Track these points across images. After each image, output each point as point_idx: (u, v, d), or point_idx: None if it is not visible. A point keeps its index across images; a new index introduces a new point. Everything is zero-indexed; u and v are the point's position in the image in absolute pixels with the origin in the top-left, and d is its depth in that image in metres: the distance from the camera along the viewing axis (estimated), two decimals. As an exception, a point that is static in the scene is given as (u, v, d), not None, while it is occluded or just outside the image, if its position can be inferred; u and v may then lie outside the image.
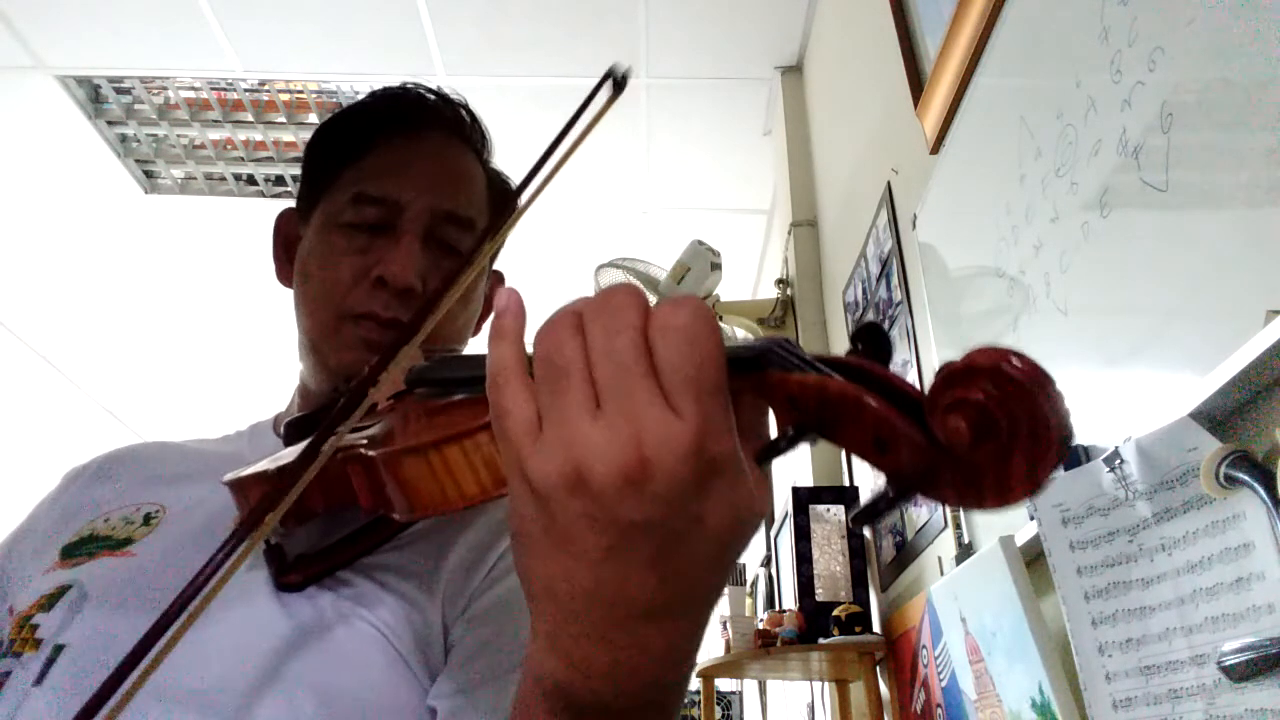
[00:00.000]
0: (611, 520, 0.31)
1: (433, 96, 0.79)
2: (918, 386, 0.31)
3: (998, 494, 0.29)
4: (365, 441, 0.52)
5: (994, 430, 0.28)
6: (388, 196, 0.73)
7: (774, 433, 0.36)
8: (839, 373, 0.31)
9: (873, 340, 0.33)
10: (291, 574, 0.60)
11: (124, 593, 0.61)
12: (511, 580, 0.35)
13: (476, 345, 0.81)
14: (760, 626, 2.05)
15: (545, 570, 0.33)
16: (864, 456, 0.31)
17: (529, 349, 0.35)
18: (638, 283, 2.82)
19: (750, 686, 3.44)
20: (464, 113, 0.80)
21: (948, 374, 0.29)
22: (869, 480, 2.08)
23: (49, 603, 0.61)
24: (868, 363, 0.32)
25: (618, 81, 0.56)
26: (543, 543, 0.33)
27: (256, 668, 0.56)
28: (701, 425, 0.30)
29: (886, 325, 1.90)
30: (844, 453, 2.30)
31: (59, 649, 0.58)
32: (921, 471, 0.30)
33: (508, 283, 0.89)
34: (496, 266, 0.89)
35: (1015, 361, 0.28)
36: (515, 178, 0.85)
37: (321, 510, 0.56)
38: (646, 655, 0.33)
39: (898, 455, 0.30)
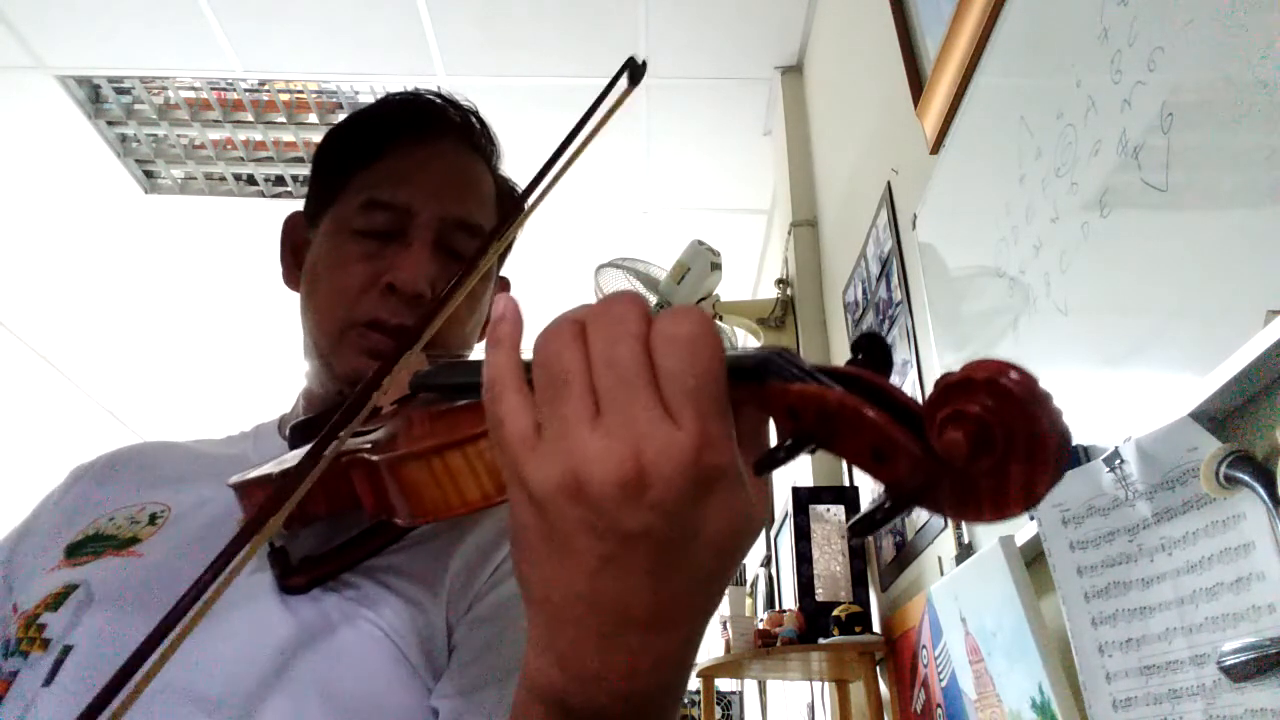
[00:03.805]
0: (610, 528, 0.31)
1: (443, 102, 0.79)
2: (917, 398, 0.31)
3: (995, 507, 0.29)
4: (369, 446, 0.52)
5: (991, 444, 0.28)
6: (399, 203, 0.73)
7: (774, 442, 0.36)
8: (838, 383, 0.31)
9: (873, 350, 0.33)
10: (296, 576, 0.60)
11: (131, 593, 0.61)
12: (514, 582, 0.35)
13: (482, 351, 0.80)
14: (760, 626, 2.05)
15: (542, 576, 0.33)
16: (862, 467, 0.31)
17: (527, 355, 0.35)
18: (638, 283, 2.82)
19: (750, 686, 3.44)
20: (474, 119, 0.80)
21: (945, 386, 0.29)
22: (869, 483, 2.08)
23: (55, 602, 0.61)
24: (867, 374, 0.32)
25: (634, 72, 0.57)
26: (541, 549, 0.33)
27: (261, 670, 0.56)
28: (700, 436, 0.30)
29: (886, 325, 1.90)
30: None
31: (67, 650, 0.58)
32: (919, 483, 0.30)
33: (511, 285, 0.89)
34: (503, 274, 0.88)
35: (1013, 374, 0.27)
36: (516, 178, 0.84)
37: (325, 514, 0.56)
38: (641, 663, 0.33)
39: (895, 466, 0.30)
